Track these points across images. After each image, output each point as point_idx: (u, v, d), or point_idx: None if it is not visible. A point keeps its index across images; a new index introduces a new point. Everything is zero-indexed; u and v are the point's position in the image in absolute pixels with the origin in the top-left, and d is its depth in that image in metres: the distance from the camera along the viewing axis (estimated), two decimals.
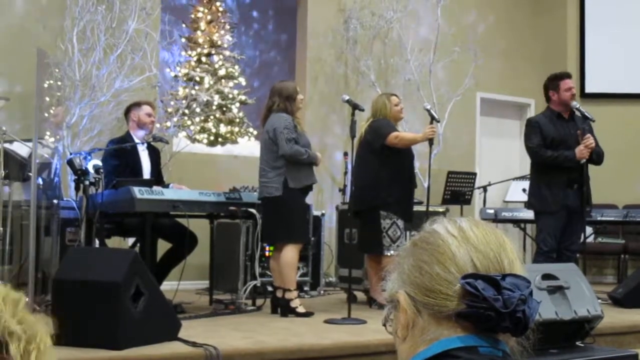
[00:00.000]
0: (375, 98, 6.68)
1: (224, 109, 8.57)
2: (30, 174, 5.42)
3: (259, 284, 6.49)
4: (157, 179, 6.21)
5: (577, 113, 6.33)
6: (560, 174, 6.19)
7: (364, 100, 7.31)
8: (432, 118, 6.37)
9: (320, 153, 6.16)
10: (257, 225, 6.10)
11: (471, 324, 1.20)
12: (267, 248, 6.93)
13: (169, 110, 8.20)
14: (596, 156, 6.31)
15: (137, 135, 6.22)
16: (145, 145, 6.26)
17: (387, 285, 1.31)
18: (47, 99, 6.40)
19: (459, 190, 8.32)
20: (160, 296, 4.56)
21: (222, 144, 8.54)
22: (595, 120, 6.30)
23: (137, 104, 6.31)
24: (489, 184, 8.93)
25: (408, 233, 6.26)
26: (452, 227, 1.27)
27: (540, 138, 6.21)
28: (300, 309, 5.78)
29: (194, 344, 4.30)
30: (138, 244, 6.03)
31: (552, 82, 6.39)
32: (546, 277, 4.55)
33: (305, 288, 7.45)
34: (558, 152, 6.17)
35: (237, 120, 8.64)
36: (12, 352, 1.09)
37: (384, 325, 1.32)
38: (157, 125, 7.80)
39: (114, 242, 6.26)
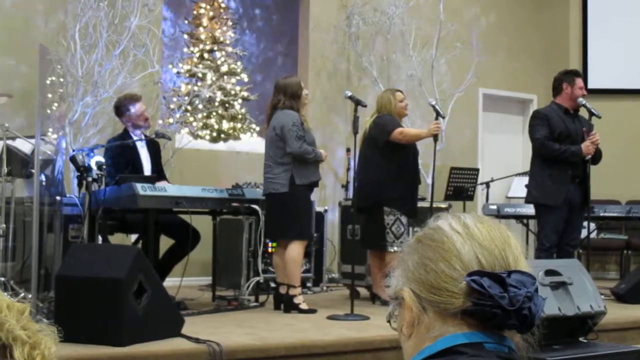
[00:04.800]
0: (380, 94, 6.68)
1: (227, 105, 8.57)
2: (33, 170, 5.43)
3: (261, 280, 6.50)
4: (159, 175, 6.21)
5: (585, 109, 6.34)
6: (565, 168, 6.20)
7: (366, 96, 7.31)
8: (437, 114, 6.36)
9: (323, 149, 6.15)
10: (259, 221, 6.10)
11: (477, 322, 1.19)
12: (269, 244, 6.94)
13: (172, 106, 8.20)
14: (598, 155, 6.33)
15: (135, 134, 6.21)
16: (144, 141, 6.25)
17: (392, 282, 1.31)
18: (50, 95, 6.41)
19: (461, 186, 8.32)
20: (163, 292, 4.56)
21: (225, 140, 8.54)
22: (601, 117, 6.30)
23: (125, 105, 6.19)
24: (492, 180, 8.92)
25: (412, 229, 6.26)
26: (456, 224, 1.27)
27: (547, 131, 6.22)
28: (304, 306, 5.78)
29: (197, 340, 4.30)
30: (141, 241, 6.03)
31: (568, 76, 6.42)
32: (549, 273, 4.55)
33: (308, 284, 7.46)
34: (565, 146, 6.18)
35: (240, 116, 8.63)
36: (16, 356, 1.09)
37: (389, 321, 1.32)
38: (160, 121, 7.82)
39: (116, 238, 6.26)
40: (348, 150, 8.53)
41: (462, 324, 1.20)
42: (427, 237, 1.28)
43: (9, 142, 5.68)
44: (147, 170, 6.19)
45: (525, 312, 1.17)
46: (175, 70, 8.51)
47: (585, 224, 6.54)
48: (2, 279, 5.46)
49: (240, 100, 8.66)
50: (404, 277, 1.28)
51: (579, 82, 6.39)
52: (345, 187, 8.47)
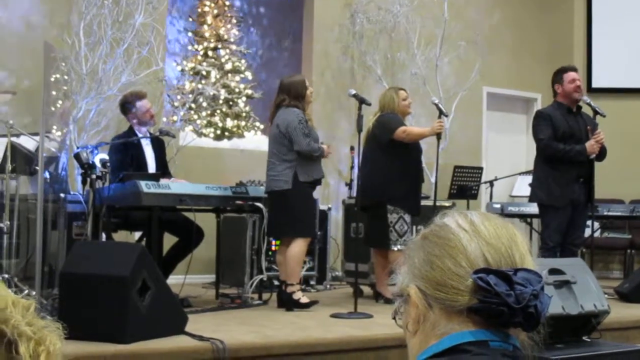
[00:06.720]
0: (383, 92, 6.67)
1: (231, 103, 8.57)
2: (37, 167, 5.43)
3: (265, 278, 6.49)
4: (163, 172, 6.21)
5: (589, 108, 6.32)
6: (570, 168, 6.18)
7: (370, 94, 7.30)
8: (440, 112, 6.36)
9: (327, 145, 6.13)
10: (263, 219, 6.10)
11: (483, 319, 1.19)
12: (273, 242, 6.94)
13: (176, 104, 8.21)
14: (602, 152, 6.31)
15: (141, 131, 6.21)
16: (149, 139, 6.25)
17: (398, 279, 1.31)
18: (54, 92, 6.41)
19: (465, 185, 8.31)
20: (167, 290, 4.57)
21: (229, 138, 8.54)
22: (606, 116, 6.29)
23: (130, 102, 6.19)
24: (496, 179, 8.91)
25: (415, 228, 6.26)
26: (463, 221, 1.27)
27: (551, 131, 6.20)
28: (304, 299, 5.78)
29: (200, 338, 4.30)
30: (144, 238, 6.04)
31: (556, 76, 6.41)
32: (553, 271, 4.54)
33: (312, 282, 7.46)
34: (569, 145, 6.16)
35: (244, 114, 8.63)
36: (21, 352, 1.09)
37: (394, 318, 1.32)
38: (164, 119, 7.82)
39: (120, 236, 6.27)
40: (352, 148, 8.52)
41: (467, 322, 1.20)
42: (433, 234, 1.28)
43: (14, 139, 5.69)
44: (152, 167, 6.20)
45: (531, 310, 1.17)
46: (179, 68, 8.51)
47: (589, 223, 6.53)
48: (6, 276, 5.47)
49: (244, 98, 8.66)
50: (410, 274, 1.28)
51: (568, 76, 6.32)
52: (349, 185, 8.47)
